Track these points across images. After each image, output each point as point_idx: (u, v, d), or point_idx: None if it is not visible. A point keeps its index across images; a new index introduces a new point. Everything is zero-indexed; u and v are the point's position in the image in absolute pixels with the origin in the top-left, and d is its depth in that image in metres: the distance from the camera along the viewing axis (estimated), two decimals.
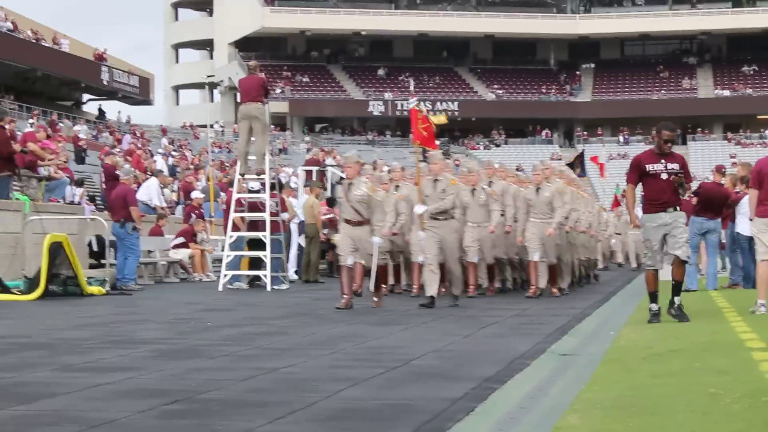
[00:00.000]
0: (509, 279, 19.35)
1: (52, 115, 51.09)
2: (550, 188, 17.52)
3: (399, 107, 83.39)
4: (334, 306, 14.85)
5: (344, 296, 14.87)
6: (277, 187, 21.60)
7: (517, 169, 26.01)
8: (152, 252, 24.56)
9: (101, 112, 68.16)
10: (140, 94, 71.52)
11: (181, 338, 10.73)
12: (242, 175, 20.99)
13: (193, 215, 26.50)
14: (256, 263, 21.42)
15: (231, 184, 25.01)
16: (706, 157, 74.61)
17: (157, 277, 24.72)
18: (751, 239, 15.93)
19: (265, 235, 20.38)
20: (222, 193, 31.09)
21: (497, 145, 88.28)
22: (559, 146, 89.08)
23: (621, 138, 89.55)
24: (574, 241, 19.63)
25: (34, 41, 58.45)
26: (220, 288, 20.25)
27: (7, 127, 21.02)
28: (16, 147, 21.58)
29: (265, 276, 20.39)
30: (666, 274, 12.57)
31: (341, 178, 20.64)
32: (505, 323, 12.46)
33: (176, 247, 25.30)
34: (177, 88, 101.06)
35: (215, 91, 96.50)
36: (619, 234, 37.40)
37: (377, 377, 7.57)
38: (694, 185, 20.82)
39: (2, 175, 20.56)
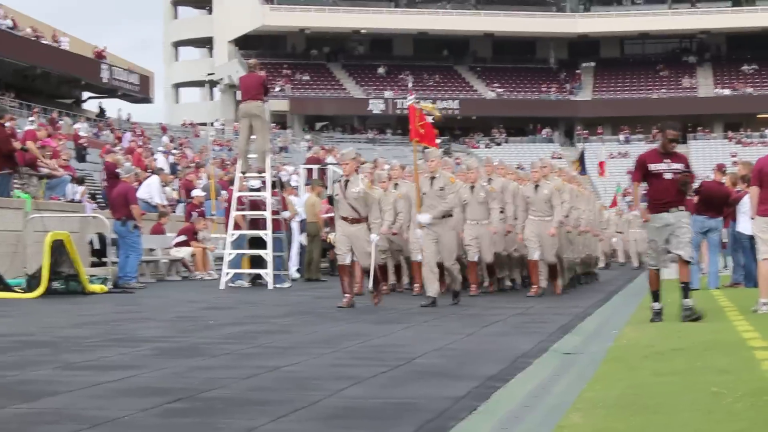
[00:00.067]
0: (508, 279, 19.27)
1: (52, 113, 51.04)
2: (548, 186, 17.51)
3: (399, 105, 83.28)
4: (336, 305, 14.83)
5: (346, 295, 14.87)
6: (278, 185, 21.59)
7: (517, 168, 25.96)
8: (154, 250, 24.56)
9: (101, 110, 68.16)
10: (140, 92, 71.53)
11: (182, 336, 10.74)
12: (243, 173, 21.00)
13: (195, 213, 26.49)
14: (257, 261, 21.42)
15: (232, 182, 25.00)
16: (707, 156, 74.50)
17: (159, 275, 24.72)
18: (752, 238, 15.92)
19: (267, 234, 20.38)
20: (223, 192, 31.07)
21: (498, 144, 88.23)
22: (560, 145, 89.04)
23: (621, 137, 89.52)
24: (574, 240, 19.63)
25: (33, 39, 58.43)
26: (222, 286, 20.25)
27: (7, 125, 21.01)
28: (17, 145, 21.58)
29: (266, 274, 20.39)
30: (668, 272, 12.58)
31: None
32: (508, 322, 12.46)
33: (178, 245, 25.31)
34: (177, 86, 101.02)
35: (215, 89, 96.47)
36: (621, 233, 37.39)
37: (380, 376, 7.56)
38: (695, 184, 20.80)
39: (3, 173, 20.56)
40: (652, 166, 12.21)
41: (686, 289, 12.18)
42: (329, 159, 30.92)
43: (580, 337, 10.63)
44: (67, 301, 16.81)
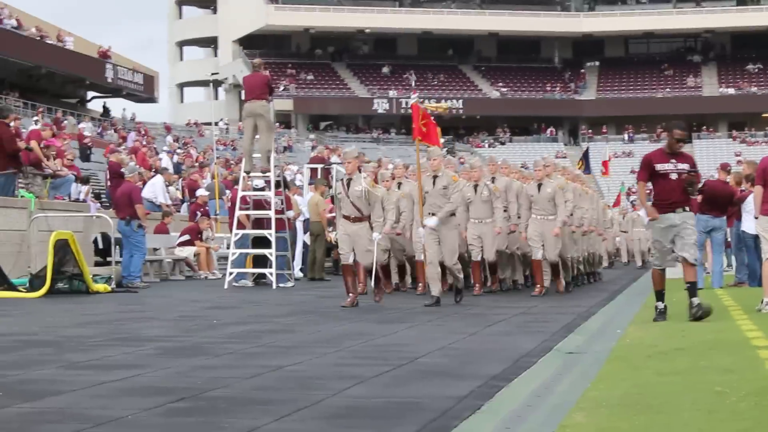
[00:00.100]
0: (510, 281, 19.16)
1: (57, 113, 51.09)
2: (551, 184, 17.47)
3: (403, 105, 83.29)
4: (339, 305, 14.83)
5: (349, 295, 14.86)
6: (282, 184, 21.60)
7: (522, 167, 25.93)
8: (158, 249, 24.57)
9: (106, 110, 68.19)
10: (145, 91, 71.52)
11: (186, 336, 10.74)
12: (247, 172, 20.99)
13: (199, 213, 26.50)
14: (260, 261, 21.43)
15: (236, 181, 25.01)
16: (711, 156, 74.52)
17: (163, 274, 24.73)
18: (756, 237, 15.93)
19: (271, 233, 20.38)
20: (227, 191, 31.09)
21: (502, 143, 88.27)
22: (564, 144, 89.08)
23: (626, 136, 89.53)
24: (577, 239, 19.61)
25: (38, 38, 58.44)
26: (226, 286, 20.25)
27: (11, 124, 21.03)
28: (21, 144, 21.60)
29: (270, 274, 20.39)
30: (672, 272, 12.56)
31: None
32: (511, 321, 12.45)
33: (181, 244, 25.31)
34: (181, 86, 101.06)
35: (220, 89, 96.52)
36: (625, 232, 37.37)
37: (383, 375, 7.56)
38: (699, 183, 20.78)
39: (7, 173, 20.57)
40: (659, 166, 12.13)
41: (693, 289, 12.08)
42: (333, 158, 30.91)
43: (584, 337, 10.62)
44: (71, 300, 16.82)
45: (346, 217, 15.01)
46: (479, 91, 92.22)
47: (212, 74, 63.56)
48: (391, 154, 57.51)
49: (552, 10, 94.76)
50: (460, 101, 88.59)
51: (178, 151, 47.51)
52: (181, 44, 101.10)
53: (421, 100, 17.56)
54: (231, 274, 20.57)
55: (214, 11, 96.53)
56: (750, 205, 17.08)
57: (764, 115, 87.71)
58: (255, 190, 21.46)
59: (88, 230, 22.29)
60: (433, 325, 11.89)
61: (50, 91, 62.13)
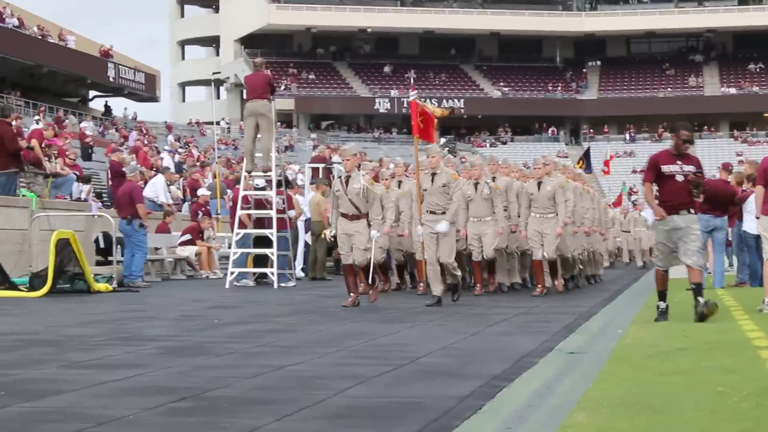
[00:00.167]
0: (507, 284, 18.98)
1: (58, 112, 51.10)
2: (551, 183, 17.42)
3: (405, 104, 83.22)
4: (340, 304, 14.83)
5: (351, 294, 14.86)
6: (284, 184, 21.60)
7: (524, 166, 25.90)
8: (159, 249, 24.57)
9: (107, 109, 68.22)
10: (146, 90, 71.56)
11: (187, 335, 10.74)
12: (249, 172, 20.99)
13: (200, 212, 26.50)
14: (261, 260, 21.43)
15: (237, 181, 25.00)
16: (713, 155, 74.39)
17: (164, 274, 24.73)
18: (757, 237, 15.92)
19: (272, 233, 20.38)
20: (228, 191, 31.09)
21: (503, 143, 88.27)
22: (566, 144, 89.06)
23: (627, 136, 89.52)
24: (578, 236, 19.57)
25: (40, 37, 58.48)
26: (227, 285, 20.24)
27: (13, 123, 21.04)
28: (23, 144, 21.60)
29: (272, 273, 20.39)
30: (674, 272, 12.54)
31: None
32: (512, 321, 12.45)
33: (183, 244, 25.31)
34: (183, 85, 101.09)
35: (221, 88, 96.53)
36: (628, 231, 37.35)
37: (384, 375, 7.56)
38: None
39: (9, 172, 20.58)
40: (665, 168, 12.02)
41: (698, 290, 11.98)
42: (335, 158, 30.91)
43: (585, 337, 10.62)
44: (73, 299, 16.83)
45: (344, 215, 14.99)
46: (481, 90, 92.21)
47: (214, 73, 63.71)
48: (392, 153, 57.50)
49: (554, 9, 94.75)
50: (462, 100, 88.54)
51: (180, 150, 47.52)
52: (183, 43, 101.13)
53: (423, 100, 17.55)
54: (232, 273, 20.56)
55: (216, 10, 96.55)
56: (751, 205, 17.05)
57: (766, 114, 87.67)
58: (256, 189, 21.45)
59: (89, 229, 22.29)
60: (435, 325, 11.89)
61: (52, 90, 62.17)
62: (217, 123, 61.14)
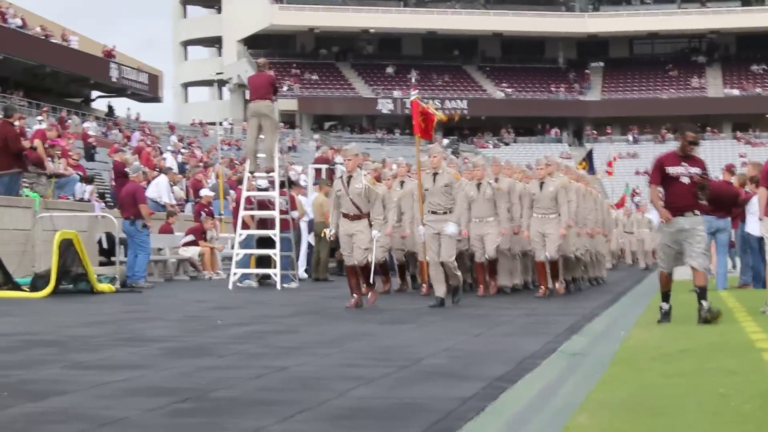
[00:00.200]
0: (508, 288, 18.89)
1: (61, 112, 51.12)
2: (554, 183, 17.37)
3: (408, 105, 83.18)
4: (344, 305, 14.83)
5: (354, 295, 14.86)
6: (287, 184, 21.60)
7: (527, 167, 25.87)
8: (162, 249, 24.58)
9: (110, 110, 68.25)
10: (149, 91, 71.57)
11: (190, 336, 10.75)
12: (252, 172, 21.00)
13: (203, 213, 26.51)
14: (264, 261, 21.43)
15: (240, 181, 25.02)
16: (716, 157, 74.36)
17: (167, 274, 24.75)
18: (761, 239, 15.91)
19: (275, 233, 20.38)
20: (231, 191, 31.09)
21: (506, 144, 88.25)
22: (569, 145, 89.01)
23: (630, 137, 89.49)
24: (581, 236, 19.54)
25: (43, 38, 58.50)
26: (230, 286, 20.24)
27: (16, 123, 21.05)
28: (26, 144, 21.62)
29: (274, 274, 20.39)
30: (678, 273, 12.53)
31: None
32: (515, 323, 12.45)
33: (186, 244, 25.32)
34: (186, 86, 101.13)
35: (224, 89, 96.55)
36: (632, 233, 37.29)
37: (387, 376, 7.56)
38: None
39: (12, 172, 20.60)
40: (670, 169, 11.96)
41: (702, 293, 11.92)
42: (338, 159, 30.92)
43: (588, 339, 10.61)
44: (76, 300, 16.83)
45: (346, 215, 14.98)
46: (483, 91, 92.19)
47: (217, 74, 63.85)
48: (395, 154, 57.42)
49: (556, 10, 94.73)
50: (465, 101, 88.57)
51: (183, 150, 47.55)
52: (186, 44, 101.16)
53: (426, 101, 17.56)
54: (235, 274, 20.56)
55: (219, 11, 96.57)
56: (754, 207, 17.06)
57: None
58: (259, 190, 21.46)
59: (92, 230, 22.31)
60: (437, 327, 11.89)
61: (55, 91, 62.19)
62: (220, 123, 61.09)
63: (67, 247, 17.84)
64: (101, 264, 21.63)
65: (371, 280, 15.16)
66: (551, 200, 17.29)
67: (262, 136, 20.56)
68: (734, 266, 22.86)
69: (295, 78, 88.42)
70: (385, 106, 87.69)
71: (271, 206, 20.93)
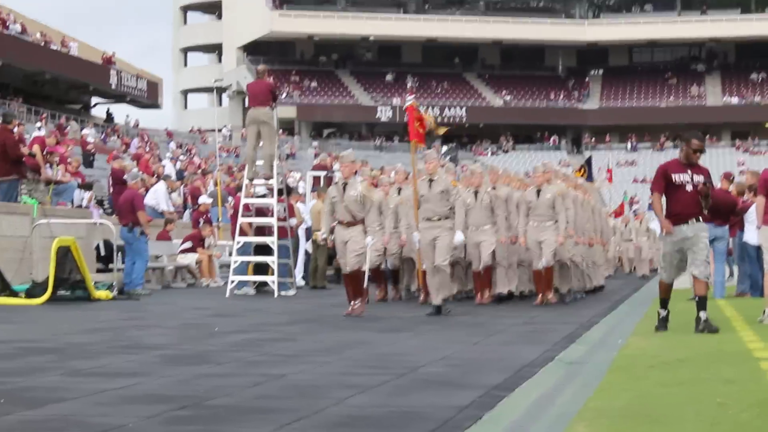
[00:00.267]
0: (505, 291, 18.80)
1: (61, 119, 51.20)
2: (551, 190, 17.32)
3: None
4: (341, 313, 14.82)
5: (351, 303, 14.85)
6: (285, 192, 21.60)
7: (525, 175, 25.87)
8: (160, 257, 24.56)
9: (109, 116, 68.29)
10: (148, 97, 71.66)
11: (188, 344, 10.74)
12: (250, 180, 21.00)
13: (201, 220, 26.50)
14: (262, 269, 21.42)
15: (239, 188, 25.02)
16: (714, 165, 74.38)
17: (165, 282, 24.72)
18: (758, 248, 15.91)
19: (273, 241, 20.37)
20: (230, 198, 31.08)
21: (505, 152, 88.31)
22: (567, 153, 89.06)
23: (629, 145, 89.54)
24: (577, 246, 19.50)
25: (42, 44, 58.59)
26: (228, 293, 20.23)
27: (15, 130, 21.05)
28: (24, 150, 21.62)
29: (272, 282, 20.37)
30: (678, 281, 12.52)
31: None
32: (513, 331, 12.44)
33: (184, 252, 25.31)
34: (185, 92, 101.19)
35: (223, 96, 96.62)
36: (630, 240, 37.26)
37: (385, 384, 7.56)
38: None
39: (11, 178, 20.59)
40: (675, 177, 11.87)
41: (702, 303, 11.84)
42: (336, 166, 30.93)
43: (586, 347, 10.60)
44: (73, 307, 16.81)
45: (340, 222, 14.98)
46: (483, 99, 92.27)
47: (216, 81, 63.80)
48: (394, 161, 57.41)
49: (556, 18, 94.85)
50: (464, 109, 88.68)
51: (181, 157, 47.58)
52: (186, 50, 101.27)
53: (426, 108, 17.57)
54: (233, 281, 20.54)
55: (219, 18, 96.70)
56: (752, 216, 17.05)
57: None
58: (257, 197, 21.44)
59: (90, 237, 22.30)
60: (435, 335, 11.89)
61: (54, 97, 62.28)
62: (219, 130, 61.17)
63: (64, 254, 17.82)
64: (99, 271, 21.61)
65: (364, 287, 15.15)
66: (548, 208, 17.23)
67: (260, 144, 20.55)
68: (732, 274, 22.85)
69: (294, 85, 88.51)
70: (384, 114, 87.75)
71: (270, 213, 20.92)
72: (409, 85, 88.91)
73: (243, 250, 21.05)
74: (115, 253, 21.00)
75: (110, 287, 19.24)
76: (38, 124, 42.41)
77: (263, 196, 21.31)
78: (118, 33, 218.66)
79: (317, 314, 15.45)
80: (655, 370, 8.48)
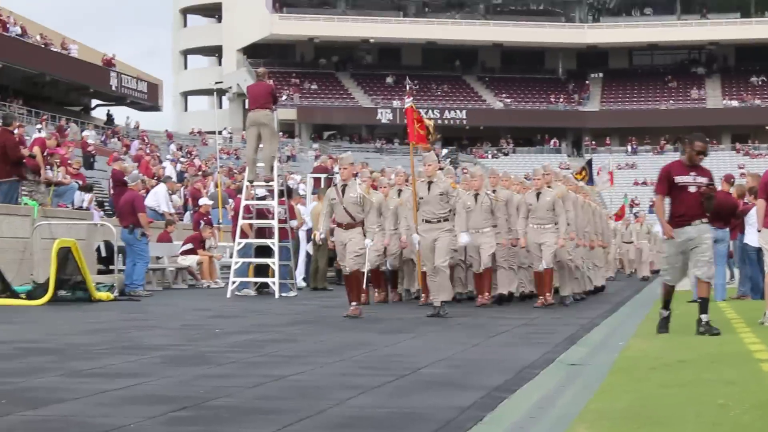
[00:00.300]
0: (505, 291, 18.76)
1: (61, 121, 51.16)
2: (551, 193, 17.29)
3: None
4: (342, 314, 14.82)
5: (352, 304, 14.85)
6: (286, 194, 21.60)
7: (525, 178, 25.86)
8: (160, 258, 24.56)
9: (110, 118, 68.29)
10: (149, 100, 71.62)
11: (189, 345, 10.74)
12: (251, 181, 21.00)
13: (202, 222, 26.50)
14: (262, 270, 21.42)
15: (239, 190, 25.01)
16: (715, 168, 74.23)
17: (166, 283, 24.72)
18: (759, 250, 15.91)
19: (273, 242, 20.36)
20: (230, 200, 31.08)
21: (505, 154, 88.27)
22: (567, 156, 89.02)
23: (629, 148, 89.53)
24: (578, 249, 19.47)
25: (43, 46, 58.58)
26: (228, 295, 20.22)
27: (15, 131, 21.04)
28: (25, 152, 21.62)
29: (273, 283, 20.37)
30: (680, 284, 12.52)
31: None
32: (514, 332, 12.44)
33: (184, 253, 25.31)
34: (185, 95, 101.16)
35: (224, 98, 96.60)
36: (630, 242, 37.25)
37: (386, 385, 7.56)
38: None
39: (11, 180, 20.59)
40: (678, 179, 11.84)
41: (704, 305, 11.83)
42: (337, 168, 30.93)
43: (587, 348, 10.61)
44: (74, 308, 16.81)
45: (339, 225, 14.98)
46: (483, 101, 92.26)
47: (216, 83, 63.80)
48: (394, 164, 57.47)
49: (556, 21, 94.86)
50: (464, 112, 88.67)
51: (182, 159, 47.59)
52: (186, 53, 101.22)
53: (425, 112, 17.58)
54: (234, 283, 20.54)
55: (219, 20, 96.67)
56: (753, 218, 17.04)
57: None
58: (258, 199, 21.44)
59: (91, 238, 22.30)
60: (436, 336, 11.89)
61: (54, 99, 62.25)
62: (219, 132, 61.16)
63: (65, 255, 17.82)
64: (99, 272, 21.61)
65: (362, 288, 15.15)
66: (548, 210, 17.20)
67: (261, 146, 20.55)
68: (732, 277, 22.84)
69: (294, 87, 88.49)
70: (384, 116, 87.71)
71: (270, 215, 20.91)
72: (408, 87, 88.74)
73: (244, 252, 21.04)
74: (115, 255, 21.00)
75: (111, 288, 19.24)
76: (38, 126, 42.41)
77: (264, 198, 21.30)
78: (119, 35, 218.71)
79: (318, 315, 15.45)
80: (656, 371, 8.48)
